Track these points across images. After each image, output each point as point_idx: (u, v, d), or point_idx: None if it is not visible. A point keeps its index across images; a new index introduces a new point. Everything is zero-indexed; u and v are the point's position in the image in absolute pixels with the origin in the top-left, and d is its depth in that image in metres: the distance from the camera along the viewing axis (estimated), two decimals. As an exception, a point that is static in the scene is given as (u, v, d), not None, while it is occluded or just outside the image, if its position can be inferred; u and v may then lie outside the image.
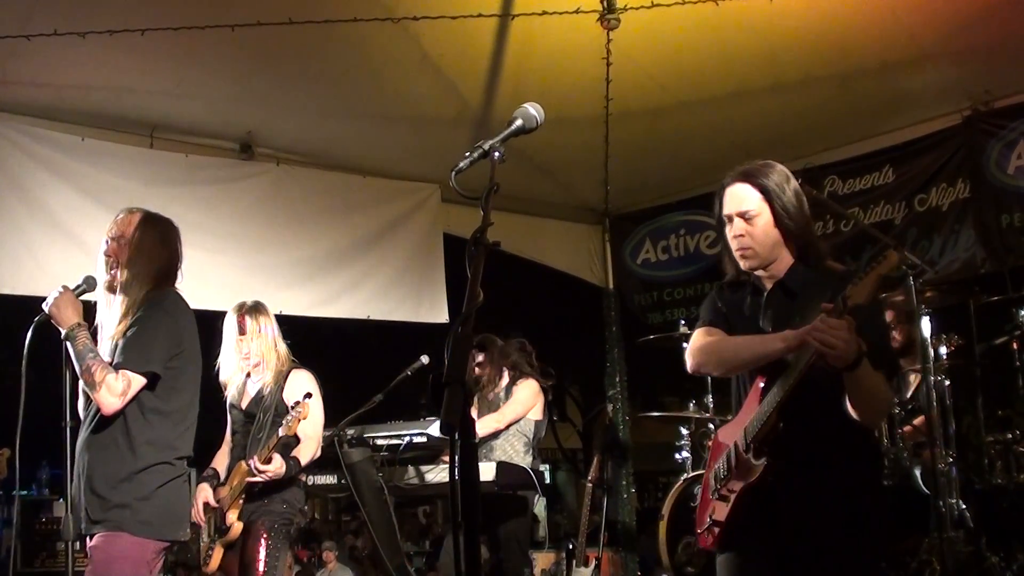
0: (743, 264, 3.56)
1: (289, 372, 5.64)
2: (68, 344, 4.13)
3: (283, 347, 5.69)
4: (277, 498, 5.45)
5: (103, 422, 4.14)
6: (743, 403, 3.57)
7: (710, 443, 7.38)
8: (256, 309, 5.65)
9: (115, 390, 4.05)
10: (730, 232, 3.56)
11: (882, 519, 3.69)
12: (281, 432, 5.23)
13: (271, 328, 5.64)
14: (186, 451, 4.33)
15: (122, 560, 4.07)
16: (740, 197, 3.54)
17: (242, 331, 5.58)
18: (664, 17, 5.88)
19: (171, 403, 4.24)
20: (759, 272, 3.59)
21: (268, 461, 5.23)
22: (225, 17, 5.72)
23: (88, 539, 4.18)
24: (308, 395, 5.36)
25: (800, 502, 3.35)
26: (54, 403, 4.20)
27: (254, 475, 5.26)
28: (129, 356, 4.11)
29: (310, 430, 5.48)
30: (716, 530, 3.53)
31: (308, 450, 5.46)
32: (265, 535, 5.35)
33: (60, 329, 4.16)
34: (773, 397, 3.31)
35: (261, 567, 5.29)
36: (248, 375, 5.67)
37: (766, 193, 3.50)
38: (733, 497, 3.45)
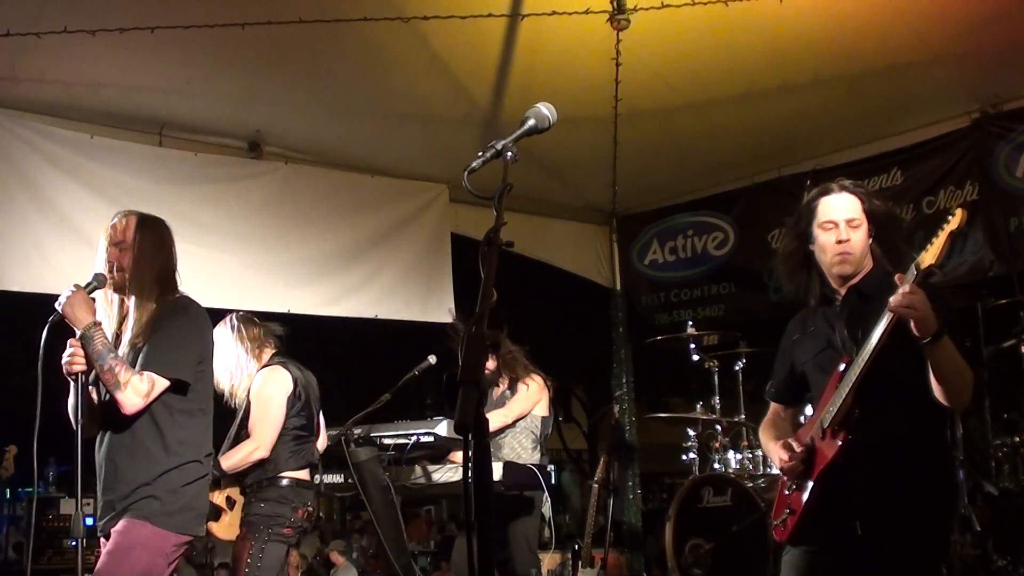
0: (840, 269, 3.69)
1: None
2: (85, 344, 4.12)
3: (241, 362, 5.69)
4: (256, 499, 5.52)
5: (130, 424, 4.15)
6: (820, 399, 3.67)
7: (716, 444, 7.45)
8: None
9: (140, 391, 4.07)
10: (829, 237, 3.69)
11: (953, 508, 3.79)
12: None
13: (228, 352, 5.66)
14: (210, 448, 4.39)
15: (141, 548, 4.09)
16: (846, 205, 3.71)
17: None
18: (674, 18, 5.88)
19: (197, 403, 4.28)
20: (835, 284, 3.74)
21: None
22: (235, 16, 5.72)
23: (106, 539, 4.21)
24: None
25: (874, 485, 3.44)
26: (60, 398, 4.20)
27: None
28: (156, 359, 4.13)
29: (258, 426, 5.54)
30: (790, 520, 3.61)
31: (238, 452, 5.51)
32: (249, 535, 5.43)
33: (75, 329, 4.16)
34: (849, 379, 3.44)
35: (244, 568, 5.36)
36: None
37: (868, 206, 3.72)
38: (810, 484, 3.54)
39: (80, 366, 4.13)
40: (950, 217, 3.28)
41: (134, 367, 4.13)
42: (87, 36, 5.67)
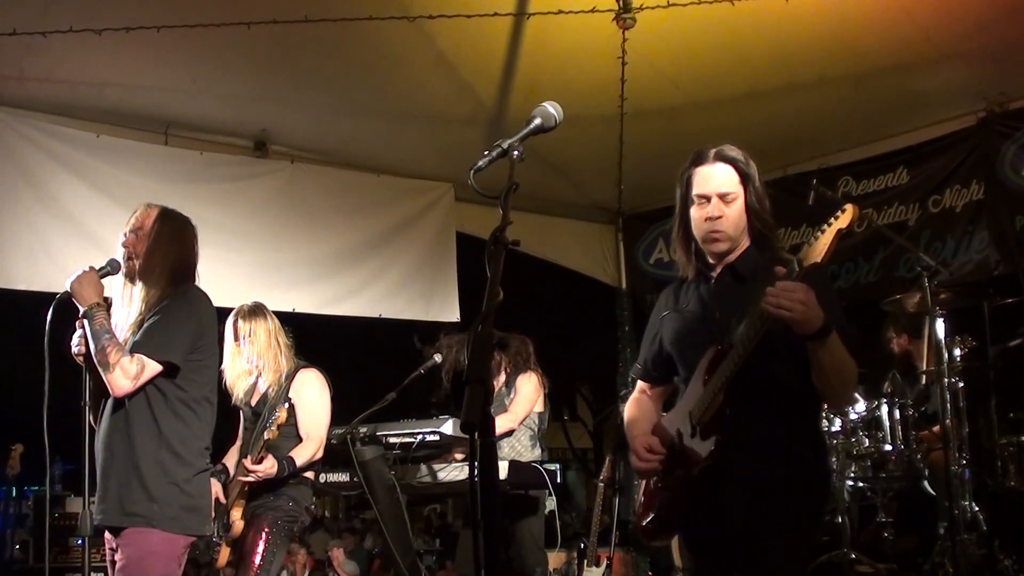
0: (713, 247, 3.41)
1: (296, 372, 5.65)
2: (85, 322, 4.12)
3: (283, 347, 5.67)
4: (284, 495, 5.49)
5: (126, 414, 4.15)
6: (688, 385, 3.44)
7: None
8: (252, 313, 5.65)
9: (128, 372, 4.05)
10: (701, 213, 3.40)
11: (822, 508, 3.66)
12: (266, 436, 5.26)
13: (263, 331, 5.61)
14: (208, 443, 4.35)
15: (154, 556, 4.09)
16: (720, 178, 3.39)
17: (236, 337, 5.60)
18: (680, 17, 5.88)
19: (194, 394, 4.25)
20: (711, 260, 3.47)
21: (260, 461, 5.28)
22: (241, 15, 5.73)
23: (109, 532, 4.21)
24: (288, 400, 5.41)
25: (746, 487, 3.22)
26: (65, 397, 4.20)
27: (245, 475, 5.33)
28: (147, 342, 4.12)
29: (312, 431, 5.52)
30: (659, 521, 3.48)
31: (306, 451, 5.48)
32: (267, 530, 5.39)
33: (79, 307, 4.16)
34: (720, 376, 3.21)
35: (257, 560, 5.32)
36: (259, 374, 5.68)
37: (744, 177, 3.39)
38: (679, 485, 3.36)
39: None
40: (840, 212, 2.98)
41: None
42: (93, 35, 5.69)
